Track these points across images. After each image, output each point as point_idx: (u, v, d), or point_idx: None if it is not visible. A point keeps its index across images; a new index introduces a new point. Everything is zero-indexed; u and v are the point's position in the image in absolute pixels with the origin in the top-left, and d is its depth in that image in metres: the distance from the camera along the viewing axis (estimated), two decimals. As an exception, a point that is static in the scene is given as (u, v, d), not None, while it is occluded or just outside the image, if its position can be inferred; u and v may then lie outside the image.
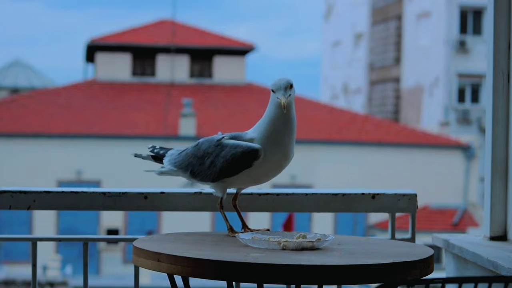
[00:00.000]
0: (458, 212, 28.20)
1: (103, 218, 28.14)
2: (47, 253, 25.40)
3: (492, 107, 3.89)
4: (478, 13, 36.55)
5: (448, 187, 29.89)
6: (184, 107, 30.15)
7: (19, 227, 27.08)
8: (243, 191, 3.54)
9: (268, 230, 3.31)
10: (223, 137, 3.27)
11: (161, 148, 3.49)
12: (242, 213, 3.39)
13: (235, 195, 3.36)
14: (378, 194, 3.71)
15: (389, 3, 41.53)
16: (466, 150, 30.64)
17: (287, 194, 3.71)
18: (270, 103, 3.24)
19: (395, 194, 3.73)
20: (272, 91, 3.22)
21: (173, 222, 26.78)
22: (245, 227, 3.34)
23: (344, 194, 3.72)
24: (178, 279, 3.08)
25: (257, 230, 3.32)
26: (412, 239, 3.70)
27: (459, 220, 27.66)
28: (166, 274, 2.94)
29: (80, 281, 3.94)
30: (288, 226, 17.62)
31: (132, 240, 3.43)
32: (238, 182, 3.27)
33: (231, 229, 3.29)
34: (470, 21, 36.73)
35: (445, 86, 36.67)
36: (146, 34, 34.72)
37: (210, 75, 34.13)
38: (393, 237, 3.74)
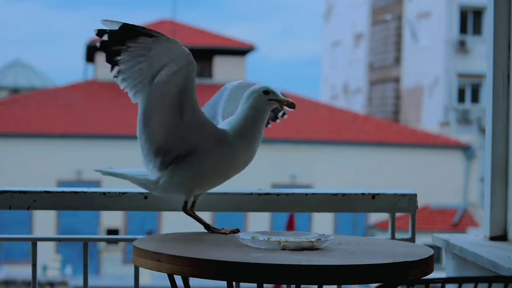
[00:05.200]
0: (458, 212, 28.20)
1: (103, 218, 28.14)
2: (47, 253, 25.41)
3: (492, 107, 3.89)
4: (478, 13, 36.55)
5: (448, 187, 29.89)
6: (184, 107, 30.10)
7: (19, 227, 27.07)
8: (241, 191, 3.56)
9: (238, 230, 3.36)
10: None
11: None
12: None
13: (193, 203, 3.40)
14: (378, 194, 3.71)
15: (389, 3, 41.53)
16: (466, 150, 30.64)
17: (287, 194, 3.71)
18: (249, 104, 3.26)
19: (395, 194, 3.73)
20: (266, 92, 3.26)
21: (173, 222, 26.75)
22: (209, 227, 3.39)
23: (344, 194, 3.72)
24: (178, 279, 3.08)
25: (222, 230, 3.37)
26: (412, 239, 3.70)
27: (459, 220, 27.66)
28: (166, 274, 2.94)
29: (80, 281, 3.93)
30: (289, 228, 17.69)
31: (132, 240, 3.43)
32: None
33: (208, 227, 3.36)
34: (470, 21, 36.73)
35: (445, 86, 36.67)
36: (146, 34, 34.66)
37: (210, 75, 34.12)
38: (393, 237, 3.74)
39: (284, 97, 3.29)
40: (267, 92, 3.28)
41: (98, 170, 3.45)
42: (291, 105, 3.27)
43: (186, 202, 3.37)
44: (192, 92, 3.25)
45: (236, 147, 3.26)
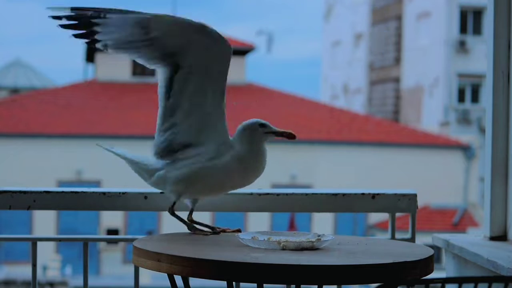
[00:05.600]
0: (458, 212, 28.19)
1: (103, 218, 28.13)
2: (47, 253, 25.40)
3: (492, 107, 3.89)
4: (478, 13, 36.54)
5: (448, 187, 29.88)
6: (184, 107, 30.10)
7: (19, 227, 27.06)
8: (241, 191, 3.56)
9: (239, 230, 3.38)
10: None
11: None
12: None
13: (191, 211, 3.41)
14: (378, 194, 3.71)
15: (389, 3, 41.52)
16: (466, 150, 30.64)
17: (287, 194, 3.71)
18: (246, 139, 3.27)
19: (395, 194, 3.73)
20: (261, 125, 3.28)
21: (173, 222, 26.67)
22: (214, 228, 3.40)
23: (344, 194, 3.71)
24: (178, 279, 3.08)
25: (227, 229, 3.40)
26: (412, 239, 3.70)
27: (459, 220, 27.66)
28: (166, 274, 2.94)
29: (80, 281, 3.93)
30: (291, 228, 17.70)
31: (132, 240, 3.43)
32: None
33: (213, 229, 3.37)
34: (470, 21, 36.72)
35: (445, 86, 36.66)
36: (146, 34, 34.67)
37: (210, 75, 34.09)
38: (393, 237, 3.74)
39: (279, 129, 3.29)
40: (262, 125, 3.29)
41: (99, 145, 3.47)
42: (291, 136, 3.28)
43: (174, 203, 3.37)
44: (220, 80, 3.25)
45: (237, 164, 3.26)
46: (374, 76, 42.89)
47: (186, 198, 3.38)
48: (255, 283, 2.75)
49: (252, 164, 3.28)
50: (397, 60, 40.61)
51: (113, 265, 27.59)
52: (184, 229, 3.63)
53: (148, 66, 3.34)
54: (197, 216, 3.50)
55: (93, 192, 3.62)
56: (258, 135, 3.28)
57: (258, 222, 26.56)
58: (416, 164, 30.23)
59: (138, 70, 34.06)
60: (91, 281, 4.05)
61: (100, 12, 3.20)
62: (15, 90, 41.83)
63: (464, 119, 35.36)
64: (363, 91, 43.92)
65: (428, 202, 28.16)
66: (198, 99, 3.25)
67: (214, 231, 3.39)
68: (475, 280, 2.47)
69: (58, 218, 28.08)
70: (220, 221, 27.39)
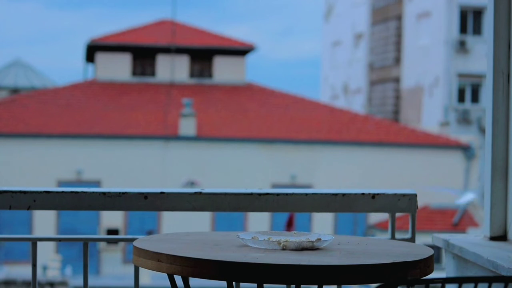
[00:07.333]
0: (458, 212, 28.20)
1: (103, 218, 28.13)
2: (47, 253, 25.41)
3: (492, 107, 3.88)
4: (478, 13, 36.55)
5: (448, 187, 29.88)
6: (184, 107, 30.15)
7: (19, 227, 27.08)
8: (241, 191, 3.55)
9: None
10: None
11: None
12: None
13: None
14: (378, 194, 3.71)
15: (389, 3, 41.52)
16: (466, 150, 30.64)
17: (287, 194, 3.70)
18: None
19: (395, 194, 3.72)
20: None
21: (173, 222, 26.77)
22: None
23: (344, 194, 3.71)
24: (178, 279, 3.07)
25: None
26: (412, 239, 3.69)
27: (459, 220, 27.66)
28: (166, 274, 2.94)
29: (80, 281, 3.93)
30: (289, 227, 17.71)
31: (132, 240, 3.43)
32: None
33: None
34: (470, 21, 36.73)
35: (445, 86, 36.67)
36: (146, 34, 34.72)
37: (210, 75, 34.12)
38: (393, 237, 3.74)
39: None
40: None
41: None
42: None
43: None
44: None
45: None
46: (374, 76, 42.89)
47: None
48: (255, 283, 2.75)
49: None
50: (397, 60, 40.61)
51: (113, 265, 27.60)
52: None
53: None
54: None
55: (93, 192, 3.62)
56: None
57: (258, 222, 26.57)
58: (416, 164, 30.23)
59: (138, 70, 34.07)
60: (91, 281, 4.05)
61: None
62: (15, 90, 41.84)
63: (464, 119, 35.36)
64: (363, 91, 43.93)
65: (428, 202, 28.16)
66: None
67: None
68: (475, 280, 2.47)
69: (58, 218, 28.08)
70: (220, 221, 27.40)
